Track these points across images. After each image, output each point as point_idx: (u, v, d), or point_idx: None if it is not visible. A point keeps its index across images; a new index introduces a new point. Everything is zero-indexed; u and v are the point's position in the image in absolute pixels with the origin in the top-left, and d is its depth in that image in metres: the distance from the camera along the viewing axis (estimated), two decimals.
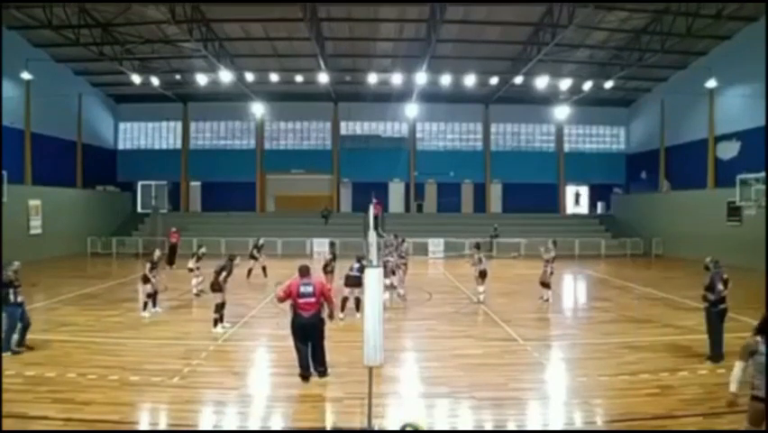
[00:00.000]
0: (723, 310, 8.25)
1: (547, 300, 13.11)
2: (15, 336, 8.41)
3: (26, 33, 22.82)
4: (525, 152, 33.44)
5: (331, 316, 7.67)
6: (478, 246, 14.22)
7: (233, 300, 13.47)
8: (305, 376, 7.29)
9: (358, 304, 10.88)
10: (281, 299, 7.66)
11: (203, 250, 14.34)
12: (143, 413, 6.41)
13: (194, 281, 13.93)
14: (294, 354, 7.46)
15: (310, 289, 7.29)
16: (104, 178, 30.52)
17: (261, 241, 17.84)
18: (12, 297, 8.28)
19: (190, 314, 12.14)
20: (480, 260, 13.32)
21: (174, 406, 6.50)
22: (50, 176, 24.85)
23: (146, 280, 11.46)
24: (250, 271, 16.79)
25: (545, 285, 13.13)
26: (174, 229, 21.68)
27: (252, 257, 17.09)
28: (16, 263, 8.61)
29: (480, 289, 13.33)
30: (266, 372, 8.21)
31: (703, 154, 25.25)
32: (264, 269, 17.06)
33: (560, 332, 10.64)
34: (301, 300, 7.22)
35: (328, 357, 8.59)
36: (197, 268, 13.77)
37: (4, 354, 7.96)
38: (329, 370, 7.50)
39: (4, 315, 8.23)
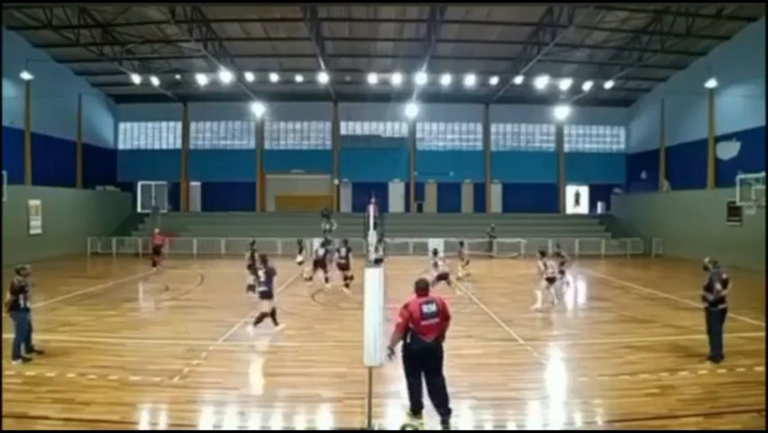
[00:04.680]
0: (722, 310, 8.24)
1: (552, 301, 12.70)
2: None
3: (26, 34, 22.80)
4: (525, 152, 33.45)
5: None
6: (435, 252, 15.31)
7: (232, 300, 13.51)
8: (418, 410, 5.98)
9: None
10: (403, 327, 5.90)
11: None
12: (143, 413, 6.41)
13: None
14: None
15: (434, 308, 5.97)
16: (104, 178, 30.51)
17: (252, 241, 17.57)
18: (21, 302, 8.24)
19: (190, 314, 12.13)
20: (436, 264, 14.35)
21: (174, 406, 6.50)
22: (50, 176, 24.83)
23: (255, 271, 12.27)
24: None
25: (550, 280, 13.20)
26: (158, 231, 21.49)
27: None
28: (28, 267, 8.58)
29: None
30: (266, 372, 8.19)
31: (703, 154, 25.24)
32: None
33: (560, 332, 10.64)
34: (425, 323, 5.88)
35: (331, 357, 8.57)
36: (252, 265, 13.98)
37: (14, 363, 7.92)
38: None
39: (15, 322, 8.20)
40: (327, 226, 17.70)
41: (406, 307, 5.96)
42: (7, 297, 8.24)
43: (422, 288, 6.16)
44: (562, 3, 19.62)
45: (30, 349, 8.37)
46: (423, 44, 23.89)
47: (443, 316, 6.03)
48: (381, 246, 14.46)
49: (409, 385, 6.04)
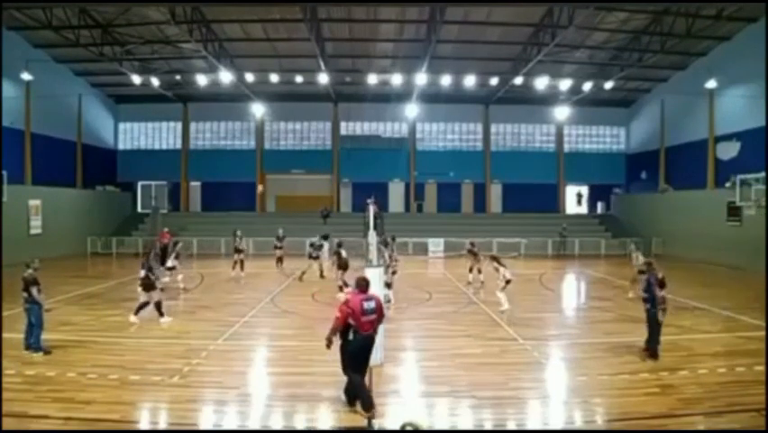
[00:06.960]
0: (662, 311, 8.44)
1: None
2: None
3: (26, 34, 22.84)
4: (525, 153, 33.46)
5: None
6: (393, 239, 15.58)
7: (231, 300, 13.52)
8: (370, 408, 6.10)
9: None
10: (341, 322, 6.23)
11: (180, 245, 15.81)
12: (143, 412, 6.43)
13: (179, 277, 15.14)
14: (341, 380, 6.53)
15: (373, 305, 6.40)
16: (104, 178, 30.53)
17: (239, 233, 17.99)
18: (36, 295, 8.39)
19: (190, 314, 12.13)
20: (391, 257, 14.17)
21: (174, 405, 6.50)
22: (50, 176, 24.83)
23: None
24: (235, 263, 17.46)
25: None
26: (165, 230, 21.62)
27: (237, 250, 17.59)
28: (36, 261, 8.67)
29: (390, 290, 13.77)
30: (266, 371, 8.20)
31: (703, 154, 25.26)
32: (242, 262, 17.68)
33: (559, 331, 10.64)
34: (365, 318, 6.26)
35: (331, 357, 8.54)
36: (175, 267, 15.11)
37: (35, 355, 8.21)
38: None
39: (33, 315, 8.40)
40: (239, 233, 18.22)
41: (346, 303, 6.40)
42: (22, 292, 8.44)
43: (362, 285, 6.57)
44: (562, 3, 19.64)
45: (27, 346, 8.44)
46: (423, 45, 23.90)
47: (379, 312, 6.51)
48: (387, 250, 13.81)
49: (357, 383, 6.26)
